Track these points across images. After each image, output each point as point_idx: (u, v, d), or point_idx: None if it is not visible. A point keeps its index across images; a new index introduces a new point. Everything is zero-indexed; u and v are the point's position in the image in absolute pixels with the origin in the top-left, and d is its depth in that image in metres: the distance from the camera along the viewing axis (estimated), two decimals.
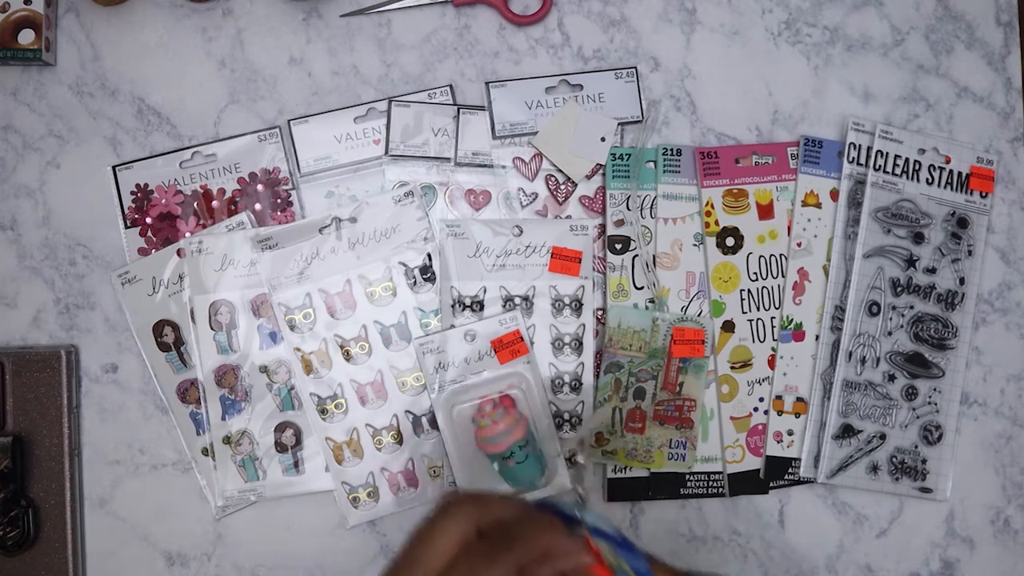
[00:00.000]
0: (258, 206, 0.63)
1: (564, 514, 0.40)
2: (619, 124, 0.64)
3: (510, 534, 0.37)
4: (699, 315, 0.63)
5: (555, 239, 0.63)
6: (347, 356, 0.62)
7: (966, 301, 0.65)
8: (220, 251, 0.62)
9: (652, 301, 0.63)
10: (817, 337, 0.64)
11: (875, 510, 0.65)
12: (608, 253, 0.63)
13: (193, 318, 0.61)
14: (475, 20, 0.65)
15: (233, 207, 0.63)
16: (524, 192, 0.64)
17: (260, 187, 0.63)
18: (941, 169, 0.65)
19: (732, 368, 0.64)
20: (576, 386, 0.63)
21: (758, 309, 0.64)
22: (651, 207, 0.64)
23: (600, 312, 0.64)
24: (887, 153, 0.64)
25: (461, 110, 0.63)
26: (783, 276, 0.64)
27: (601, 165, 0.64)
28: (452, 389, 0.61)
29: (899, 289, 0.64)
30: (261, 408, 0.62)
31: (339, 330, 0.62)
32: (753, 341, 0.64)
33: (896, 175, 0.64)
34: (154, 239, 0.63)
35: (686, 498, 0.64)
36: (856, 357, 0.64)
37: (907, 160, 0.64)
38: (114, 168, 0.63)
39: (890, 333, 0.64)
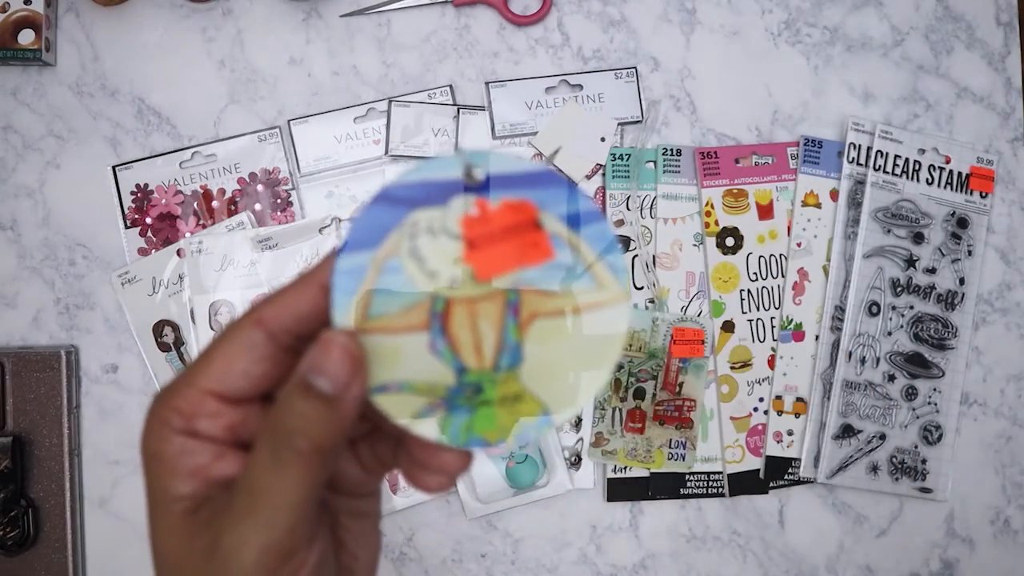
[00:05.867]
0: (258, 206, 0.63)
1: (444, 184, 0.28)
2: (619, 124, 0.64)
3: None
4: (699, 315, 0.63)
5: None
6: None
7: (966, 301, 0.65)
8: (220, 251, 0.62)
9: (652, 301, 0.63)
10: (817, 337, 0.64)
11: (875, 510, 0.65)
12: None
13: (193, 318, 0.61)
14: (475, 20, 0.65)
15: (233, 207, 0.63)
16: None
17: (260, 187, 0.63)
18: (941, 169, 0.65)
19: (732, 368, 0.64)
20: None
21: (758, 309, 0.64)
22: (651, 207, 0.64)
23: None
24: (887, 153, 0.64)
25: (461, 110, 0.63)
26: (783, 276, 0.64)
27: (601, 165, 0.64)
28: None
29: (899, 289, 0.64)
30: None
31: None
32: (753, 341, 0.64)
33: (896, 175, 0.64)
34: (154, 239, 0.63)
35: (686, 498, 0.64)
36: (856, 357, 0.64)
37: (907, 160, 0.64)
38: (114, 168, 0.63)
39: (890, 333, 0.64)
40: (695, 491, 0.63)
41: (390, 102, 0.63)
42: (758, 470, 0.64)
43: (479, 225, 0.27)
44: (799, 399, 0.64)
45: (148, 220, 0.63)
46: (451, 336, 0.27)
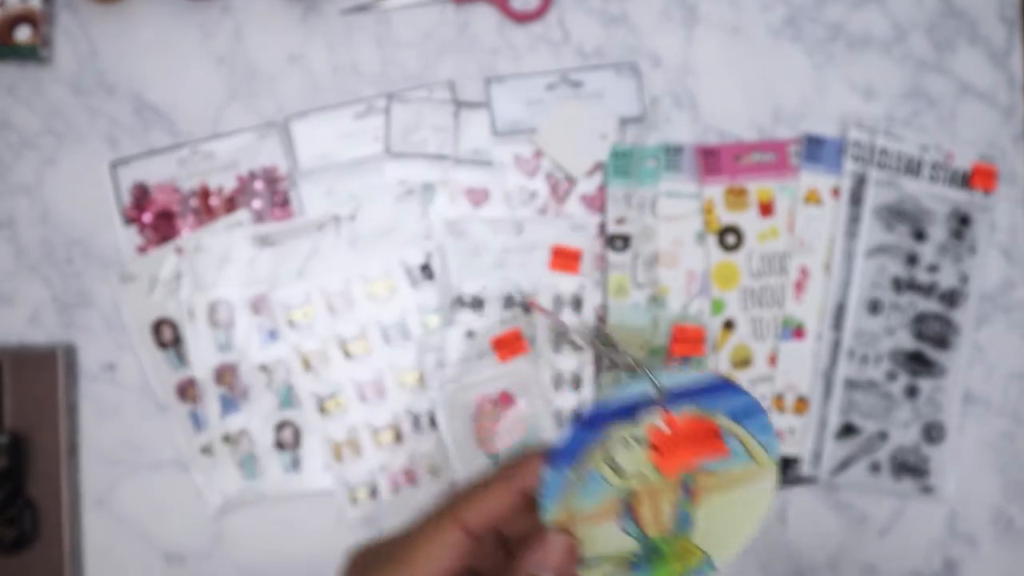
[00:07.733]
0: (257, 204, 0.63)
1: (628, 405, 0.33)
2: (620, 121, 0.64)
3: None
4: (699, 313, 0.63)
5: (555, 237, 0.63)
6: (347, 354, 0.62)
7: (968, 299, 0.65)
8: (218, 249, 0.61)
9: (652, 299, 0.63)
10: (818, 335, 0.64)
11: (877, 509, 0.65)
12: (608, 251, 0.63)
13: (192, 316, 0.61)
14: (475, 17, 0.65)
15: (231, 205, 0.63)
16: (524, 190, 0.64)
17: (259, 185, 0.63)
18: (943, 167, 0.65)
19: (733, 367, 0.63)
20: (576, 384, 0.62)
21: (759, 307, 0.64)
22: (651, 205, 0.63)
23: (600, 310, 0.63)
24: (889, 150, 0.64)
25: (461, 107, 0.63)
26: (784, 274, 0.64)
27: (601, 163, 0.63)
28: (452, 388, 0.61)
29: (901, 287, 0.64)
30: (260, 406, 0.62)
31: (338, 328, 0.62)
32: (754, 339, 0.64)
33: (898, 172, 0.64)
34: (152, 237, 0.62)
35: None
36: (857, 355, 0.63)
37: (909, 157, 0.64)
38: (112, 165, 0.62)
39: (892, 331, 0.64)
40: None
41: (389, 99, 0.63)
42: None
43: (666, 435, 0.33)
44: (800, 398, 0.64)
45: (146, 218, 0.62)
46: (638, 518, 0.33)
